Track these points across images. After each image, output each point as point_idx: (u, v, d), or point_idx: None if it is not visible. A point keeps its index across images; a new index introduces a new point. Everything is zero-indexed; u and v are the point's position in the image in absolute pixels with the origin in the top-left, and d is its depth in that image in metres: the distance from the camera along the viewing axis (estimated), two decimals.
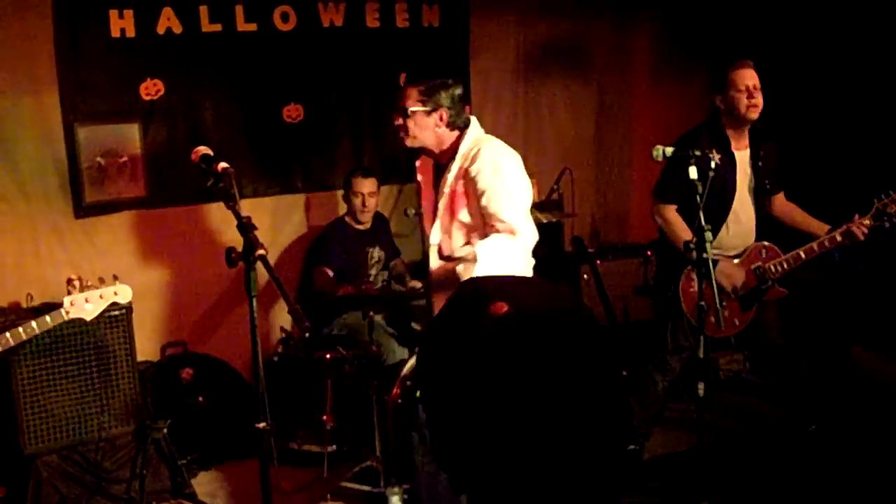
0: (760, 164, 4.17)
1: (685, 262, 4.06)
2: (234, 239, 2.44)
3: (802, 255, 4.12)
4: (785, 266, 4.14)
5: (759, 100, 4.05)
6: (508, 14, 6.21)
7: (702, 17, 6.17)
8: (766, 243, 4.23)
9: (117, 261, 4.84)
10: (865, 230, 3.98)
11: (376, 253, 5.22)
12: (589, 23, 6.53)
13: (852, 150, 5.38)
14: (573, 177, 5.50)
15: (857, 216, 4.02)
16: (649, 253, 5.45)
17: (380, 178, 5.28)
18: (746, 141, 4.20)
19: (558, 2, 6.36)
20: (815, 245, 4.10)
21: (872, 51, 5.32)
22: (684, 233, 4.09)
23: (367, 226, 5.22)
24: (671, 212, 4.23)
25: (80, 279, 3.47)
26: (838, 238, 4.04)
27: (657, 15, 6.64)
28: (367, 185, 5.11)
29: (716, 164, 3.86)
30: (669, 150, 3.70)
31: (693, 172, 3.58)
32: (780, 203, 4.34)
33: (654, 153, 3.75)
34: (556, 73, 6.47)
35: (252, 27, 5.18)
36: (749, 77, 4.06)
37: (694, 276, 4.26)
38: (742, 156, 4.17)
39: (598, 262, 5.73)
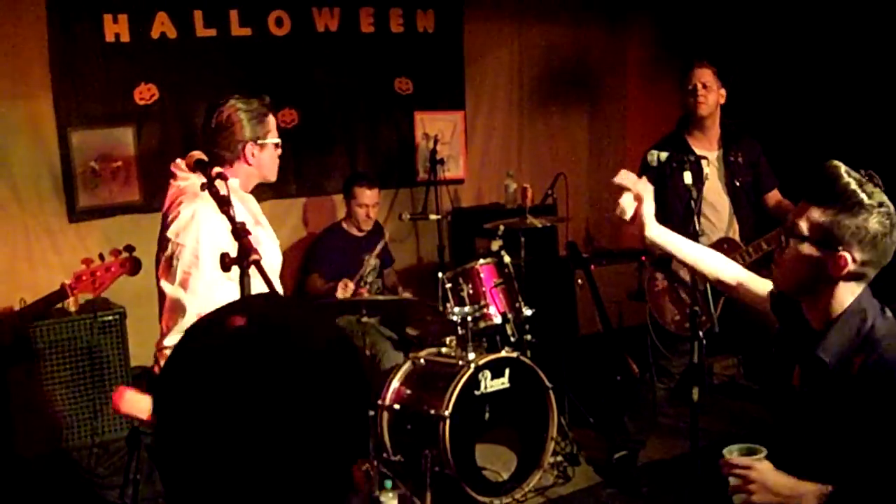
0: (732, 159, 4.18)
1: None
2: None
3: (764, 245, 3.93)
4: (746, 258, 3.98)
5: (705, 97, 4.11)
6: (503, 20, 6.23)
7: (695, 22, 6.18)
8: (728, 237, 4.15)
9: None
10: None
11: (372, 260, 5.20)
12: (583, 29, 6.55)
13: (842, 143, 5.39)
14: (567, 182, 5.50)
15: None
16: (643, 258, 5.45)
17: (378, 185, 5.28)
18: (716, 140, 4.22)
19: (553, 8, 6.38)
20: (776, 233, 3.83)
21: (854, 49, 5.35)
22: None
23: (365, 233, 5.21)
24: None
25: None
26: None
27: (650, 21, 6.66)
28: (371, 197, 5.09)
29: (674, 165, 3.83)
30: (664, 156, 3.71)
31: (687, 178, 3.60)
32: (775, 200, 4.28)
33: (649, 158, 3.77)
34: (550, 79, 6.48)
35: (246, 32, 5.19)
36: (697, 76, 4.13)
37: (658, 274, 4.30)
38: (712, 155, 4.18)
39: (593, 266, 5.70)
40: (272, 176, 3.10)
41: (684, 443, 4.05)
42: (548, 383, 4.31)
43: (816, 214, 2.04)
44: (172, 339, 2.73)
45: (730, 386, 5.71)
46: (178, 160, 2.90)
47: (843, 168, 2.06)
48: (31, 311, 3.44)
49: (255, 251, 2.34)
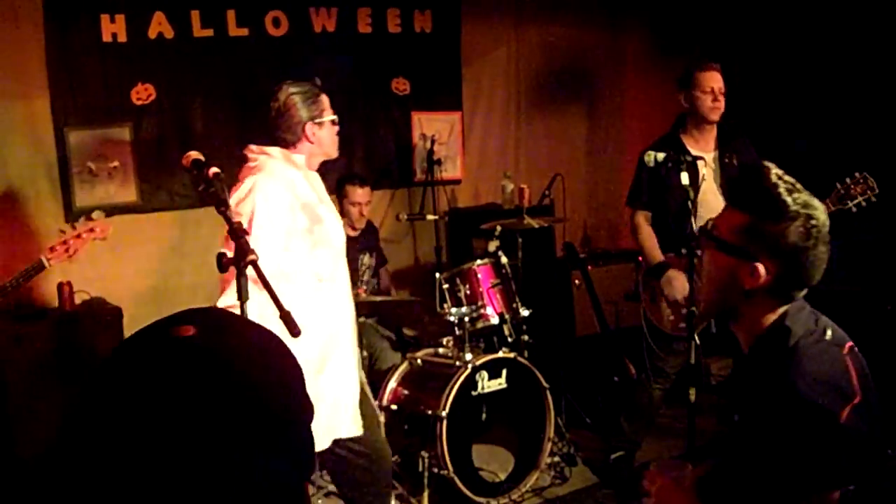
0: (727, 161, 4.19)
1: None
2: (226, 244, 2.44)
3: None
4: None
5: (721, 103, 4.11)
6: (501, 20, 6.23)
7: (692, 23, 6.19)
8: None
9: (108, 265, 4.82)
10: None
11: (367, 259, 5.21)
12: (581, 29, 6.55)
13: (839, 143, 5.41)
14: (565, 182, 5.51)
15: None
16: (640, 259, 5.48)
17: (371, 184, 5.28)
18: (712, 141, 4.23)
19: (550, 9, 6.38)
20: None
21: (852, 48, 5.37)
22: (646, 239, 4.28)
23: (359, 232, 5.21)
24: (637, 217, 4.35)
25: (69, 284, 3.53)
26: None
27: (648, 21, 6.67)
28: (363, 195, 5.08)
29: (670, 165, 3.85)
30: (661, 156, 3.72)
31: (684, 178, 3.61)
32: None
33: (646, 158, 3.78)
34: (547, 79, 6.49)
35: (244, 32, 5.18)
36: (715, 80, 4.11)
37: (649, 279, 4.32)
38: (709, 156, 4.19)
39: (590, 267, 5.74)
40: (334, 152, 3.31)
41: (681, 443, 4.05)
42: (545, 384, 4.31)
43: (735, 219, 1.87)
44: (225, 300, 2.87)
45: (726, 386, 5.71)
46: (251, 145, 3.18)
47: (773, 171, 1.86)
48: (11, 285, 3.55)
49: (253, 252, 2.35)
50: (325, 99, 3.20)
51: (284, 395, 0.95)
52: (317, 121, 3.15)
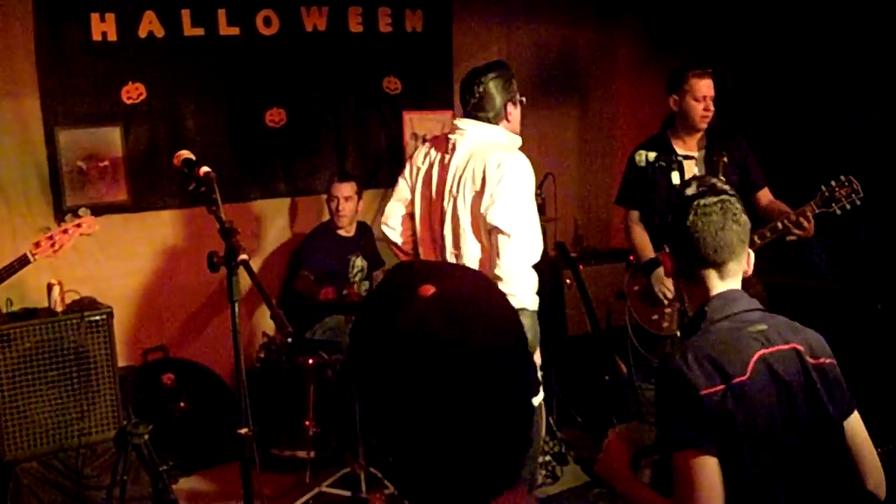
0: (716, 160, 4.17)
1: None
2: (217, 244, 2.43)
3: (757, 240, 3.83)
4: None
5: (712, 111, 4.11)
6: (492, 20, 6.22)
7: (685, 24, 6.20)
8: None
9: (98, 265, 4.82)
10: (807, 218, 3.81)
11: (359, 262, 5.19)
12: (573, 29, 6.56)
13: (832, 143, 5.42)
14: (556, 182, 5.51)
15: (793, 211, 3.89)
16: (632, 258, 5.49)
17: (362, 183, 5.27)
18: (701, 141, 4.22)
19: (542, 8, 6.38)
20: (755, 237, 3.79)
21: (847, 48, 5.38)
22: (637, 238, 4.35)
23: (351, 233, 5.20)
24: (628, 216, 4.41)
25: (59, 283, 3.55)
26: (780, 226, 3.85)
27: (640, 20, 6.67)
28: (342, 189, 5.07)
29: (659, 165, 3.86)
30: (652, 156, 3.73)
31: (675, 178, 3.62)
32: (767, 200, 4.24)
33: (637, 158, 3.79)
34: (539, 79, 6.48)
35: (235, 31, 5.17)
36: (709, 87, 4.09)
37: (638, 275, 4.33)
38: (698, 156, 4.18)
39: (581, 266, 5.74)
40: (519, 129, 3.59)
41: None
42: None
43: None
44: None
45: None
46: (464, 118, 3.50)
47: (710, 179, 2.17)
48: None
49: (243, 251, 2.34)
50: (515, 82, 3.52)
51: (514, 332, 1.13)
52: (513, 100, 3.46)
